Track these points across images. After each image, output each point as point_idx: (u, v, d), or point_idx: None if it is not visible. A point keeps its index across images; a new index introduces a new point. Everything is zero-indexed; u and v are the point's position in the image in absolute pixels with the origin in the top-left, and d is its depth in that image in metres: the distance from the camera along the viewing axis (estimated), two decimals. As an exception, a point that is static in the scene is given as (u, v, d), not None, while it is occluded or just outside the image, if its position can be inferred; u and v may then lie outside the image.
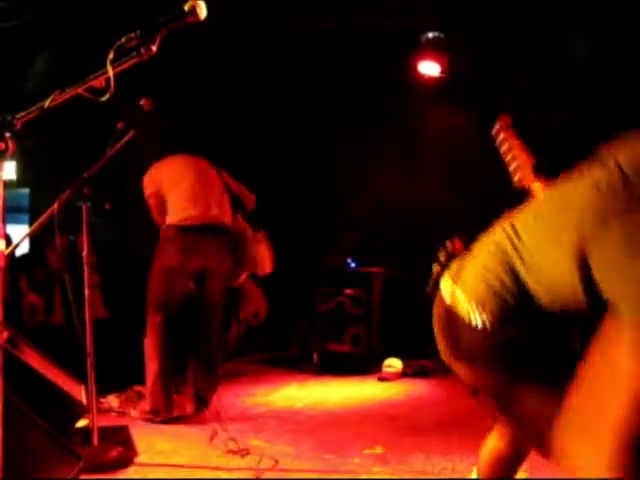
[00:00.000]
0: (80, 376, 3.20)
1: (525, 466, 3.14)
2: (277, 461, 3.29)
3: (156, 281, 4.19)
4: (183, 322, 4.27)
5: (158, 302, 4.15)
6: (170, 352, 4.15)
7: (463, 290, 1.74)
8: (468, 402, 4.64)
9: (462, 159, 6.53)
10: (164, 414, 4.05)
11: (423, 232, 6.51)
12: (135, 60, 1.82)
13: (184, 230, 4.19)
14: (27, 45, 5.96)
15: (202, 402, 4.21)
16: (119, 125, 3.23)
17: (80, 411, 3.21)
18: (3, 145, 1.72)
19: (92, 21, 5.44)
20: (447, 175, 6.63)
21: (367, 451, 3.28)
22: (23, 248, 5.73)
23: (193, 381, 4.31)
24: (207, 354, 4.35)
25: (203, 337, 4.36)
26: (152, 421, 4.02)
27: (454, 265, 1.86)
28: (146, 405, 4.10)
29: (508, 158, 2.33)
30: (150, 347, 4.13)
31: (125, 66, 1.81)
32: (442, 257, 1.98)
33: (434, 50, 5.68)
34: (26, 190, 7.23)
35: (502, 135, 2.37)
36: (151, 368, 4.09)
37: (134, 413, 4.16)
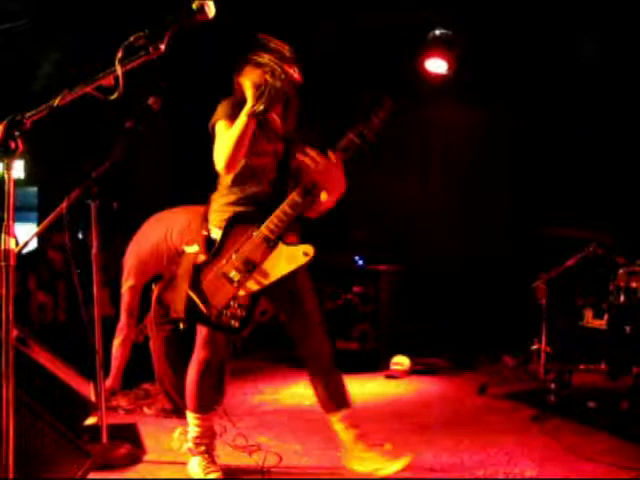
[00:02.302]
0: (89, 374, 3.21)
1: (529, 465, 3.14)
2: (281, 458, 3.30)
3: None
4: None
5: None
6: (181, 352, 4.16)
7: None
8: (476, 399, 4.65)
9: (467, 158, 6.52)
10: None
11: (430, 230, 6.52)
12: (144, 59, 1.82)
13: None
14: (35, 45, 5.98)
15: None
16: (127, 124, 3.24)
17: (89, 409, 3.23)
18: (13, 144, 1.73)
19: (99, 21, 5.46)
20: (454, 174, 6.62)
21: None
22: (31, 246, 5.75)
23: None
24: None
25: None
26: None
27: None
28: (166, 404, 4.10)
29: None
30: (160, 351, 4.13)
31: (134, 65, 1.82)
32: None
33: (442, 47, 5.63)
34: (34, 188, 7.27)
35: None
36: (164, 368, 4.10)
37: (148, 411, 4.17)
